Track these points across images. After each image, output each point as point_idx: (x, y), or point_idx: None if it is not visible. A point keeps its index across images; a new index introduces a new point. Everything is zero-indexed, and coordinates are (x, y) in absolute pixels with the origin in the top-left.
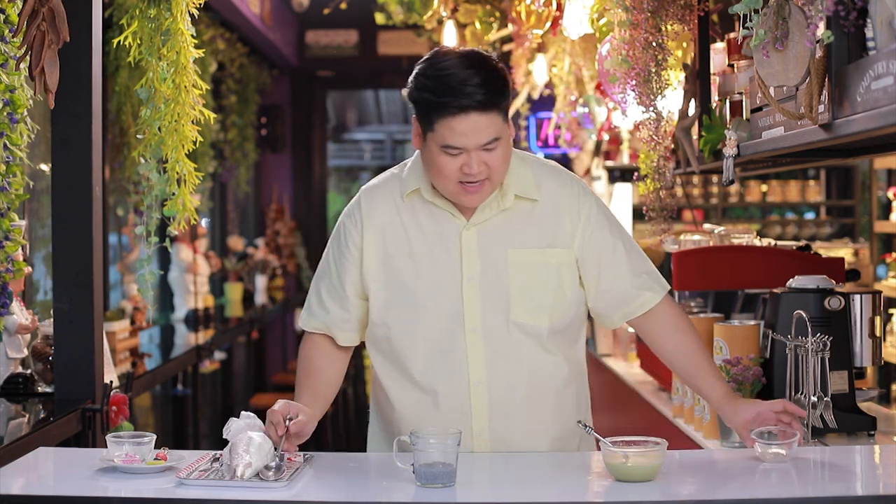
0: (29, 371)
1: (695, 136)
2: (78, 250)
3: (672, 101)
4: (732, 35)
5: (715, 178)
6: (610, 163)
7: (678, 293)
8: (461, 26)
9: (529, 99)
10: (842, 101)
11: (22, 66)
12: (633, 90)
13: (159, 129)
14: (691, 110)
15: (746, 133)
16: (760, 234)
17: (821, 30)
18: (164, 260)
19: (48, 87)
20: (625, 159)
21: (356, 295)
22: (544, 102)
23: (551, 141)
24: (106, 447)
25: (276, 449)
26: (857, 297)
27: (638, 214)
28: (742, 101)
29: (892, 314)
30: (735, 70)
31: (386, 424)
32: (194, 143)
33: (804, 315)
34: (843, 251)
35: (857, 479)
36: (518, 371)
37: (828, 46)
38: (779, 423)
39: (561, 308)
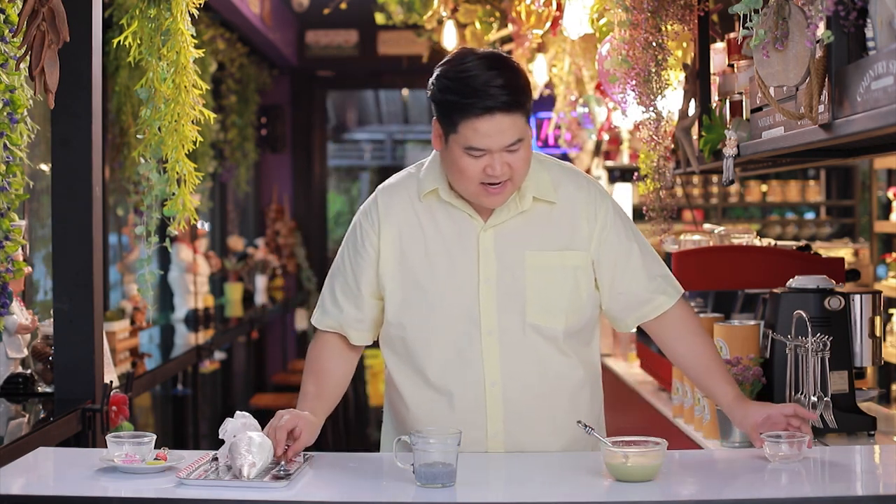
0: (29, 371)
1: (695, 136)
2: (78, 250)
3: (672, 101)
4: (732, 35)
5: (715, 178)
6: (610, 163)
7: None
8: (461, 26)
9: None
10: (842, 101)
11: (22, 66)
12: (633, 90)
13: (159, 129)
14: (691, 110)
15: (746, 133)
16: (760, 234)
17: (821, 30)
18: (164, 260)
19: (48, 87)
20: (625, 159)
21: (371, 295)
22: (544, 102)
23: (551, 141)
24: (106, 447)
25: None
26: (857, 297)
27: (638, 214)
28: (742, 101)
29: (892, 314)
30: (735, 70)
31: (400, 425)
32: (194, 143)
33: (804, 315)
34: (843, 251)
35: (857, 479)
36: (533, 373)
37: (828, 46)
38: (788, 426)
39: (576, 310)
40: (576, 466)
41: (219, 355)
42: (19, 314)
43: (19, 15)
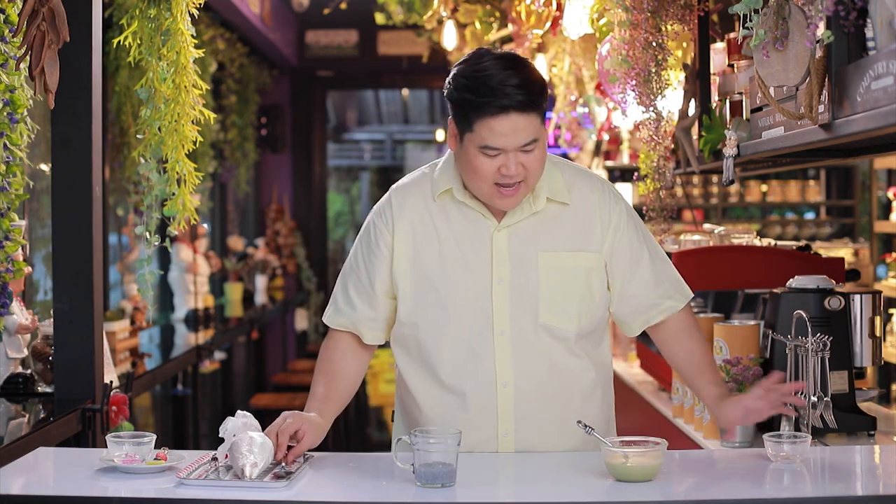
0: (29, 371)
1: (695, 136)
2: (78, 250)
3: (672, 101)
4: (732, 35)
5: (715, 178)
6: (610, 163)
7: None
8: (461, 26)
9: None
10: (842, 101)
11: (22, 66)
12: (633, 90)
13: (159, 129)
14: (691, 110)
15: (746, 133)
16: (760, 234)
17: (821, 30)
18: (164, 260)
19: (48, 87)
20: (625, 159)
21: (385, 294)
22: None
23: (551, 141)
24: (106, 447)
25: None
26: (857, 297)
27: (638, 214)
28: (742, 101)
29: (892, 314)
30: (735, 70)
31: (411, 425)
32: (194, 143)
33: (804, 315)
34: (843, 251)
35: (857, 479)
36: (545, 374)
37: (828, 46)
38: (774, 408)
39: (589, 312)
40: (577, 466)
41: (219, 355)
42: (19, 314)
43: (19, 15)
